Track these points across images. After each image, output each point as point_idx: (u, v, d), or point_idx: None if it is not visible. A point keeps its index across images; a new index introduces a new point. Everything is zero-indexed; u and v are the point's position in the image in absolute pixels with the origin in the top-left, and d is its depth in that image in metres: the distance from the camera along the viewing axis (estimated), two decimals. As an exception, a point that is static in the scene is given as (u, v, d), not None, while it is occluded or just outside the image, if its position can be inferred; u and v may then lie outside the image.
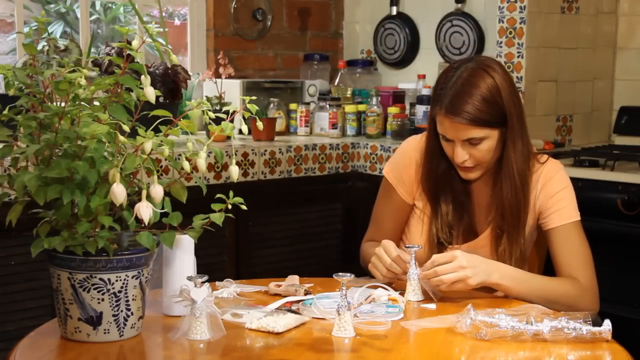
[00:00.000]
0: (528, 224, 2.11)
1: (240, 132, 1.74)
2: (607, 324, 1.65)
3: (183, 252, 1.72)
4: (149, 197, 1.51)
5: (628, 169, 2.94)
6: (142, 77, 1.55)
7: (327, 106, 3.65)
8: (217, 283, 1.93)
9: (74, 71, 1.56)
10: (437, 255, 1.91)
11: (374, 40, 4.13)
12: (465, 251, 1.96)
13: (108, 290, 1.56)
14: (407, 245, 1.97)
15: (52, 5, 6.84)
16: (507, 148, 2.04)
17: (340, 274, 1.66)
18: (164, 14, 3.50)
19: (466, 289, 1.90)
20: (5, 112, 1.61)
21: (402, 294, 1.89)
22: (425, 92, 3.57)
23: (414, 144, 2.20)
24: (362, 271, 2.26)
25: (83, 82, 1.56)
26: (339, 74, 3.94)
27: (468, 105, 1.96)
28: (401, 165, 2.22)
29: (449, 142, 2.04)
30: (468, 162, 2.04)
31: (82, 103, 1.58)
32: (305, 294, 1.87)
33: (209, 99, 3.38)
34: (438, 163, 2.12)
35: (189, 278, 1.63)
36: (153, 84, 1.60)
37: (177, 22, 5.48)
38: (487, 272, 1.91)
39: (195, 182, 1.66)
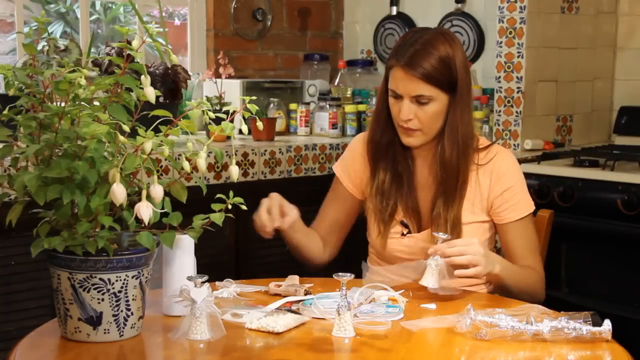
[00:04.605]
0: (470, 206, 2.13)
1: (240, 132, 1.74)
2: (607, 324, 1.65)
3: (183, 252, 1.72)
4: (149, 197, 1.51)
5: (628, 169, 2.94)
6: (142, 77, 1.55)
7: (327, 106, 3.65)
8: (217, 283, 1.93)
9: (74, 71, 1.55)
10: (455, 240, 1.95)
11: (374, 40, 4.13)
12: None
13: (108, 290, 1.56)
14: (435, 232, 2.00)
15: (52, 5, 6.84)
16: (454, 114, 2.09)
17: (340, 274, 1.66)
18: (164, 14, 3.50)
19: (476, 275, 1.92)
20: (5, 112, 1.60)
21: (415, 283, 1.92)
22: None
23: (362, 139, 2.26)
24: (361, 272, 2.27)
25: (83, 82, 1.55)
26: (339, 74, 3.94)
27: (425, 62, 2.04)
28: (348, 159, 2.28)
29: (398, 100, 2.09)
30: (412, 123, 2.08)
31: (82, 103, 1.58)
32: (305, 294, 1.87)
33: (209, 99, 3.38)
34: (384, 129, 2.16)
35: (189, 278, 1.63)
36: (153, 84, 1.60)
37: (177, 22, 5.47)
38: (492, 264, 1.96)
39: (195, 182, 1.66)
